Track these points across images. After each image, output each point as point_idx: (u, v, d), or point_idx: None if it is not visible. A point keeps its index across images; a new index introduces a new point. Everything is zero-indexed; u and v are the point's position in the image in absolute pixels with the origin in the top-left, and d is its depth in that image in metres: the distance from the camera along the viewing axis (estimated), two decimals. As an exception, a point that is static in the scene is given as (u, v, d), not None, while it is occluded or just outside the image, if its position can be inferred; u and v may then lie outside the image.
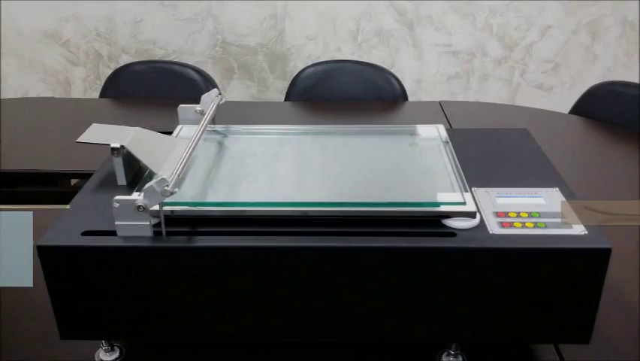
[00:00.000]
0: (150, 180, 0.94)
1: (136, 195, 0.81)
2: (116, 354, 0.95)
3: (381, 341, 0.97)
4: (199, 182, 0.95)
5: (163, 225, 0.83)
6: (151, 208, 0.81)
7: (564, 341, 0.88)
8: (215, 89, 1.16)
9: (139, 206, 0.80)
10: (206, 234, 0.84)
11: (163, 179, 0.79)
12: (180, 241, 0.82)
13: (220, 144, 1.10)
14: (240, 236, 0.83)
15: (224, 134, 1.14)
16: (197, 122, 1.14)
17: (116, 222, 0.82)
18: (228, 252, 0.81)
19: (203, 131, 1.03)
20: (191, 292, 0.84)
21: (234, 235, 0.83)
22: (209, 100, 1.14)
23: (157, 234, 0.83)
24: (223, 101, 1.16)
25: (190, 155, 0.93)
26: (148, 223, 0.82)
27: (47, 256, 0.82)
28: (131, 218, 0.81)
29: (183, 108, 1.15)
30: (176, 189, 0.81)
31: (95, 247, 0.82)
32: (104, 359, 0.95)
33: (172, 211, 0.85)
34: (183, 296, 0.85)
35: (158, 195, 0.80)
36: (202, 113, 1.13)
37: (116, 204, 0.81)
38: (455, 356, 0.93)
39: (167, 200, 0.81)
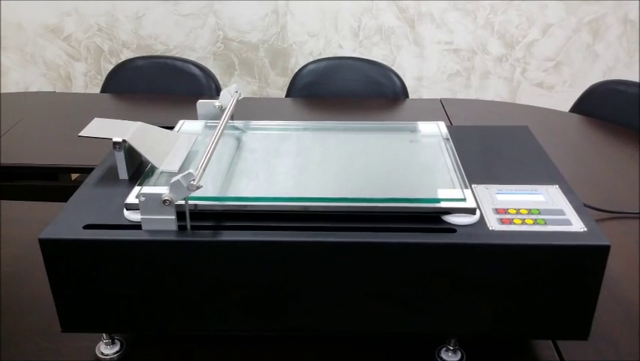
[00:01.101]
0: (152, 175, 0.95)
1: (162, 189, 0.82)
2: (117, 348, 0.96)
3: (381, 336, 0.98)
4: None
5: (188, 219, 0.83)
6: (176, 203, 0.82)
7: (563, 337, 0.88)
8: (235, 85, 1.17)
9: (165, 200, 0.81)
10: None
11: (190, 173, 0.80)
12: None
13: (230, 139, 1.10)
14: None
15: (235, 129, 1.14)
16: (216, 117, 1.15)
17: (141, 216, 0.83)
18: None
19: (224, 127, 1.04)
20: (202, 286, 0.85)
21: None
22: (229, 96, 1.14)
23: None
24: (241, 97, 1.16)
25: (214, 150, 0.94)
26: (173, 217, 0.83)
27: (49, 249, 0.83)
28: (156, 212, 0.82)
29: (202, 103, 1.16)
30: (201, 184, 0.81)
31: (103, 241, 0.82)
32: (104, 352, 0.95)
33: (195, 206, 0.86)
34: (193, 290, 0.85)
35: (184, 189, 0.80)
36: (221, 108, 1.14)
37: (142, 198, 0.81)
38: (454, 351, 0.93)
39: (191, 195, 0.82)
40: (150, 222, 0.83)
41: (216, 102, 1.15)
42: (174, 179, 0.80)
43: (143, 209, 0.82)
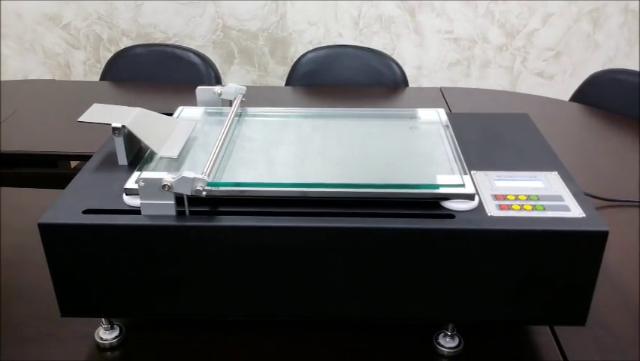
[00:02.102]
0: (151, 160, 0.95)
1: (161, 174, 0.82)
2: (116, 333, 0.96)
3: (378, 321, 0.98)
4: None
5: (186, 204, 0.84)
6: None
7: (560, 323, 0.89)
8: (245, 87, 1.16)
9: (164, 185, 0.81)
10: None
11: (203, 180, 0.81)
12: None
13: (227, 126, 1.10)
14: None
15: (235, 115, 1.14)
16: (215, 104, 1.15)
17: (140, 201, 0.83)
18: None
19: (232, 121, 1.05)
20: (200, 271, 0.85)
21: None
22: (234, 90, 1.14)
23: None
24: (244, 100, 1.16)
25: (222, 145, 0.95)
26: (172, 202, 0.83)
27: (48, 234, 0.83)
28: (155, 197, 0.82)
29: (202, 90, 1.16)
30: (206, 188, 0.82)
31: (102, 225, 0.82)
32: (104, 337, 0.96)
33: None
34: (192, 275, 0.85)
35: (188, 189, 0.81)
36: (220, 95, 1.15)
37: (142, 183, 0.82)
38: (452, 337, 0.94)
39: None
40: (149, 207, 0.83)
41: (216, 89, 1.15)
42: (183, 175, 0.80)
43: (143, 194, 0.82)
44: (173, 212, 0.83)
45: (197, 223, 0.82)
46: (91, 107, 1.03)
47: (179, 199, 0.84)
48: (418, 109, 1.16)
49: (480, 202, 0.87)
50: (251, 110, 1.16)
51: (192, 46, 2.72)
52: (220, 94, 1.15)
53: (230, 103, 1.15)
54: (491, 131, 1.11)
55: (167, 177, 0.81)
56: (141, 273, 0.85)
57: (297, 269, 0.85)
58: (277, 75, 3.08)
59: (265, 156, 0.98)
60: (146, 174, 0.83)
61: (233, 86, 1.15)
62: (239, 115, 1.14)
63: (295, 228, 0.82)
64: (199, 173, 0.82)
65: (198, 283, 0.86)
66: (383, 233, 0.82)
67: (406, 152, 1.00)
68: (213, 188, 0.87)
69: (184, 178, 0.81)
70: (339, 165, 0.95)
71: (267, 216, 0.84)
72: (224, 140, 0.98)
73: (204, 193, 0.82)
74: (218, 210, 0.86)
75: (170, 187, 0.81)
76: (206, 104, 1.16)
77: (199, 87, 1.16)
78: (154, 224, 0.82)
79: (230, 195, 0.87)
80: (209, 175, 0.85)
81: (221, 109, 1.16)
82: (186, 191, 0.81)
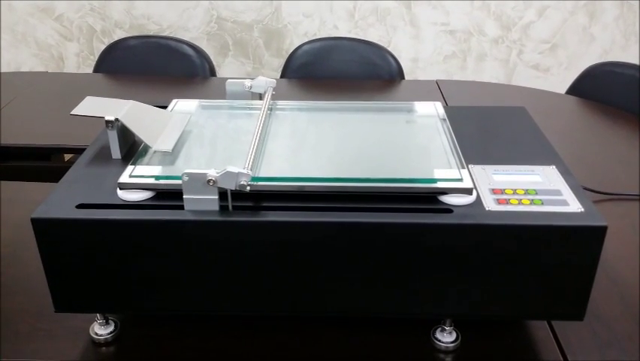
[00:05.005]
0: (145, 154, 0.94)
1: (206, 170, 0.81)
2: (111, 328, 0.95)
3: (376, 316, 0.98)
4: (208, 155, 0.95)
5: (230, 200, 0.83)
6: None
7: (558, 317, 0.88)
8: (274, 80, 1.15)
9: (209, 180, 0.80)
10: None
11: (247, 175, 0.80)
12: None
13: (226, 119, 1.09)
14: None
15: (232, 109, 1.13)
16: (244, 97, 1.15)
17: (184, 196, 0.82)
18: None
19: (266, 114, 1.05)
20: (194, 265, 0.84)
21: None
22: (264, 83, 1.14)
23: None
24: (274, 92, 1.15)
25: (259, 139, 0.94)
26: (216, 197, 0.82)
27: (41, 229, 0.82)
28: (199, 192, 0.81)
29: (231, 83, 1.15)
30: (251, 182, 0.81)
31: (96, 220, 0.81)
32: (98, 332, 0.95)
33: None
34: (186, 270, 0.84)
35: (232, 183, 0.80)
36: (250, 88, 1.14)
37: (186, 178, 0.81)
38: (449, 332, 0.93)
39: None
40: (193, 201, 0.82)
41: (246, 82, 1.14)
42: (228, 169, 0.80)
43: (186, 189, 0.81)
44: (216, 207, 0.83)
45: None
46: (84, 100, 1.02)
47: (221, 194, 0.83)
48: (415, 102, 1.16)
49: (478, 197, 0.86)
50: (246, 103, 1.15)
51: (186, 38, 2.70)
52: (250, 87, 1.14)
53: (260, 96, 1.14)
54: (488, 125, 1.10)
55: (212, 172, 0.80)
56: (135, 268, 0.84)
57: (294, 265, 0.84)
58: (272, 67, 3.06)
59: (260, 150, 0.97)
60: (191, 170, 0.82)
61: (263, 79, 1.14)
62: (236, 108, 1.13)
63: (289, 223, 0.81)
64: (241, 167, 0.81)
65: (192, 278, 0.85)
66: (380, 228, 0.81)
67: (403, 146, 0.99)
68: (255, 183, 0.86)
69: (228, 173, 0.80)
70: (336, 159, 0.95)
71: (262, 211, 0.83)
72: (260, 134, 0.97)
73: (248, 188, 0.81)
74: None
75: (214, 182, 0.80)
76: (235, 96, 1.15)
77: (229, 80, 1.15)
78: (132, 219, 0.81)
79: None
80: (251, 170, 0.84)
81: (216, 102, 1.15)
82: (230, 186, 0.81)
